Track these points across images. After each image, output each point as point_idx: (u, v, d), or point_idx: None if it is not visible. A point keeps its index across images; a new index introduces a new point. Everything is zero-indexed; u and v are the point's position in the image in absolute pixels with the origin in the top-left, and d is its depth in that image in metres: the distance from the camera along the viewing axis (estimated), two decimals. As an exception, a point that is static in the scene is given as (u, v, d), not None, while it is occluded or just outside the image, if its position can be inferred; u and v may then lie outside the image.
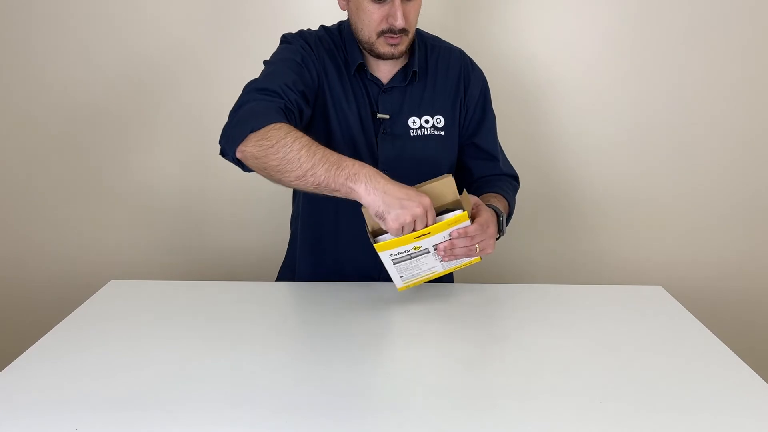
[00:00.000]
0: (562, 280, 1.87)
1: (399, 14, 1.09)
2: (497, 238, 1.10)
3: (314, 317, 1.08)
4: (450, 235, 1.01)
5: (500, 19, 1.71)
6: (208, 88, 1.74)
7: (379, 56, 1.16)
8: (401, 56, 1.17)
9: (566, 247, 1.86)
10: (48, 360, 0.90)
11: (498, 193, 1.21)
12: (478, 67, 1.29)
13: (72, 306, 1.09)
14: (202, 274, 1.86)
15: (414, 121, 1.22)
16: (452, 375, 0.87)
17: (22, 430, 0.74)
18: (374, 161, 1.20)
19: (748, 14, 1.68)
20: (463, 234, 1.01)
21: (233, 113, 1.05)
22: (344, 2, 1.18)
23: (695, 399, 0.81)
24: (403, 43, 1.14)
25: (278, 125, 0.99)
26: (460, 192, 1.02)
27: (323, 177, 0.94)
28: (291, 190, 1.36)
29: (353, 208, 0.99)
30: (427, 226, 0.96)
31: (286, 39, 1.21)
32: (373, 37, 1.13)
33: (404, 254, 1.01)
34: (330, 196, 0.97)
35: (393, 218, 0.93)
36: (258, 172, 1.00)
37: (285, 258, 1.40)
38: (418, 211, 0.93)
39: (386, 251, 1.00)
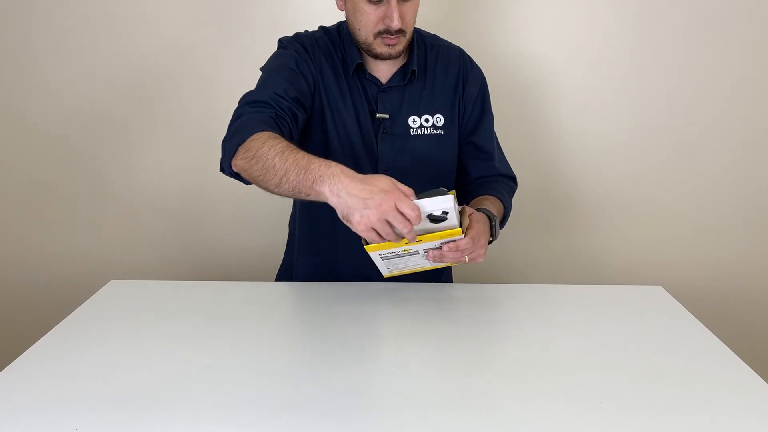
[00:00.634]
0: (562, 280, 1.87)
1: (395, 15, 1.09)
2: (490, 242, 1.11)
3: (314, 317, 1.08)
4: (441, 244, 1.01)
5: (500, 19, 1.71)
6: (208, 89, 1.74)
7: (377, 56, 1.16)
8: (399, 56, 1.17)
9: (566, 247, 1.86)
10: (48, 360, 0.90)
11: (493, 195, 1.21)
12: (477, 65, 1.29)
13: (72, 306, 1.09)
14: (202, 275, 1.86)
15: (414, 121, 1.22)
16: (452, 375, 0.87)
17: (22, 430, 0.74)
18: (374, 161, 1.20)
19: (748, 14, 1.68)
20: (454, 248, 1.01)
21: (228, 128, 1.06)
22: (342, 2, 1.18)
23: (695, 399, 0.81)
24: (401, 44, 1.14)
25: (258, 135, 0.99)
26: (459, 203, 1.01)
27: (295, 182, 0.92)
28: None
29: None
30: (407, 217, 0.88)
31: (281, 44, 1.22)
32: (370, 38, 1.14)
33: (393, 254, 1.02)
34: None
35: (357, 221, 0.88)
36: (254, 184, 1.01)
37: (283, 259, 1.40)
38: (385, 207, 0.87)
39: (376, 252, 1.01)
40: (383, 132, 1.20)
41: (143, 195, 1.82)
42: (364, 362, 0.91)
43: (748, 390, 0.84)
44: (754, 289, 1.86)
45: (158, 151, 1.80)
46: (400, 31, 1.12)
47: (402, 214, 0.88)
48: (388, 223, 0.89)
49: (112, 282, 1.21)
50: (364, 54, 1.19)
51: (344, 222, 0.91)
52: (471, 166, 1.29)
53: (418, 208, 0.89)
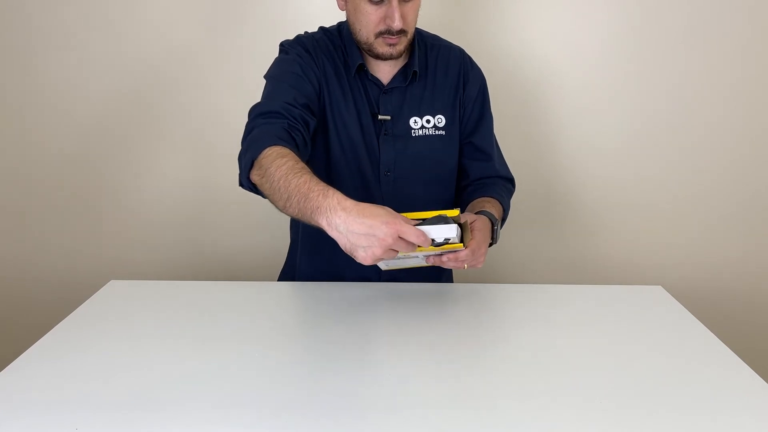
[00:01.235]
0: (562, 280, 1.87)
1: (396, 15, 1.09)
2: (490, 245, 1.11)
3: (314, 317, 1.08)
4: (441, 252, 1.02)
5: (500, 19, 1.71)
6: (209, 90, 1.74)
7: (378, 57, 1.16)
8: (400, 56, 1.17)
9: (566, 247, 1.86)
10: (48, 360, 0.90)
11: (493, 197, 1.21)
12: (477, 66, 1.29)
13: (72, 306, 1.09)
14: (203, 275, 1.86)
15: (415, 122, 1.22)
16: (452, 375, 0.87)
17: (22, 430, 0.74)
18: (375, 163, 1.20)
19: (748, 14, 1.68)
20: (454, 258, 1.01)
21: (242, 142, 1.06)
22: (342, 2, 1.18)
23: (695, 399, 0.81)
24: (402, 44, 1.14)
25: (269, 151, 0.98)
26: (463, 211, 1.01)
27: (297, 208, 0.91)
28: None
29: None
30: (413, 243, 0.89)
31: (283, 48, 1.21)
32: (371, 38, 1.13)
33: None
34: None
35: (363, 257, 0.87)
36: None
37: (285, 264, 1.40)
38: (389, 241, 0.85)
39: None
40: (385, 133, 1.20)
41: (143, 195, 1.82)
42: (364, 362, 0.91)
43: (748, 390, 0.84)
44: (754, 289, 1.86)
45: (158, 151, 1.80)
46: (402, 32, 1.12)
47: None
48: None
49: (112, 282, 1.21)
50: (365, 54, 1.19)
51: (347, 254, 0.89)
52: (470, 166, 1.28)
53: (423, 234, 0.89)
